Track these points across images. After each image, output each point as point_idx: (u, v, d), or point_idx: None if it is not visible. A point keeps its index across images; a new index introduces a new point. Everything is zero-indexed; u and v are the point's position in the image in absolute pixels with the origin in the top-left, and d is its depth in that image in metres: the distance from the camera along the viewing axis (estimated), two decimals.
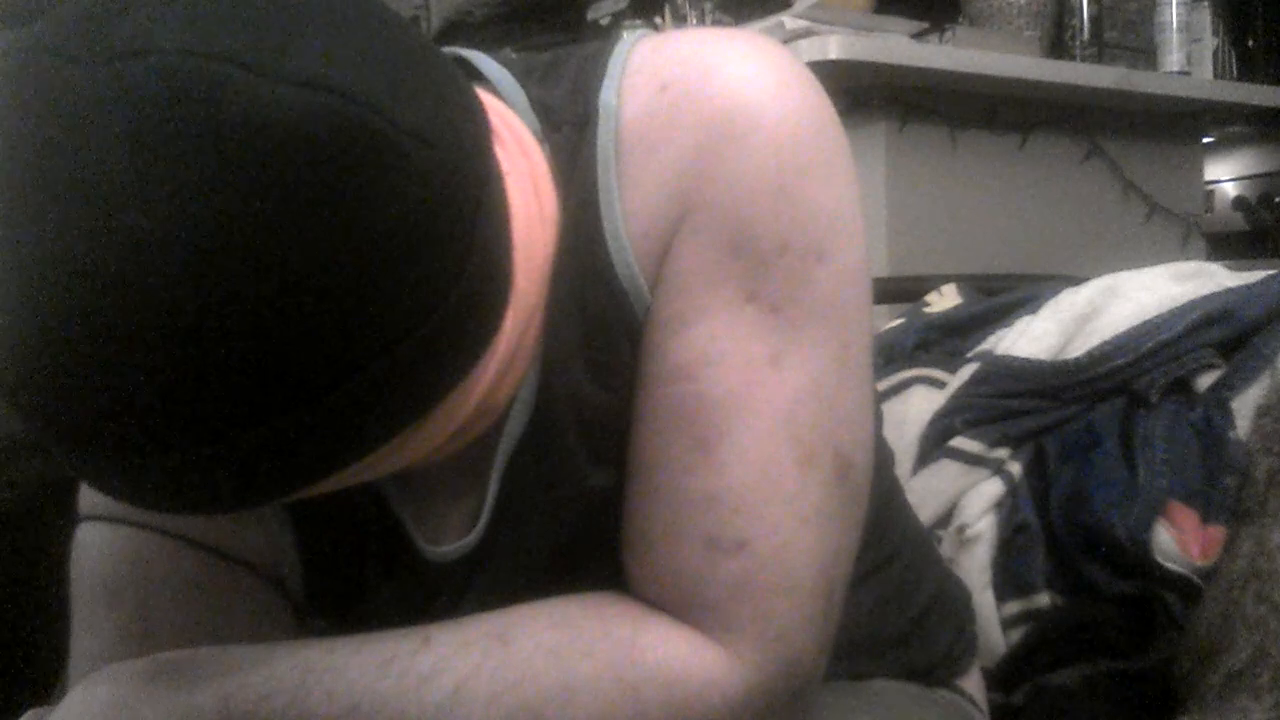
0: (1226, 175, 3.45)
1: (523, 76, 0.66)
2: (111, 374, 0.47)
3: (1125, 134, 2.18)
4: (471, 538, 0.67)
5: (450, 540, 0.68)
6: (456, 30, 1.86)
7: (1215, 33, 2.38)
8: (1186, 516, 0.95)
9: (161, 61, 0.45)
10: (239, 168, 0.45)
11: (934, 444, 1.11)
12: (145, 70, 0.45)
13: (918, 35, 1.93)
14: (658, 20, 2.04)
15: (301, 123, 0.46)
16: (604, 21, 1.97)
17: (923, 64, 1.80)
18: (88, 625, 0.68)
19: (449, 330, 0.52)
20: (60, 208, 0.46)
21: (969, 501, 1.07)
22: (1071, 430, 1.07)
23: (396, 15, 0.53)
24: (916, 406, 1.15)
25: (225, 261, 0.45)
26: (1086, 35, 2.15)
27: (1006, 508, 1.06)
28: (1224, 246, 2.81)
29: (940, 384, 1.17)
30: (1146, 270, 1.15)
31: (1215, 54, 2.38)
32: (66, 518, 0.70)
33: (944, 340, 1.24)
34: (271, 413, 0.48)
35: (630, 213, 0.61)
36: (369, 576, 0.70)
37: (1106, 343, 1.07)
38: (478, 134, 0.54)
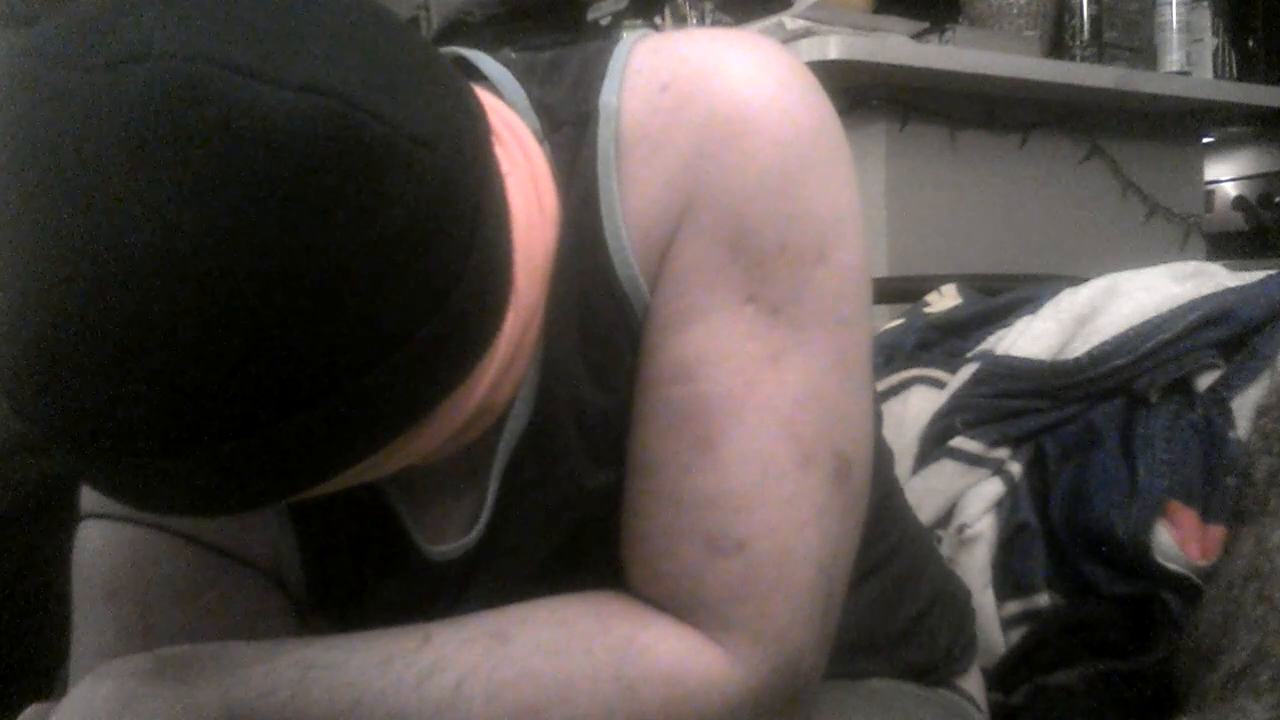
0: (1226, 175, 3.45)
1: (523, 76, 0.66)
2: (111, 379, 0.47)
3: (1125, 134, 2.18)
4: (471, 537, 0.67)
5: (450, 539, 0.68)
6: (456, 30, 1.86)
7: (1215, 33, 2.38)
8: (1186, 516, 0.95)
9: (161, 67, 0.45)
10: (239, 172, 0.45)
11: (934, 444, 1.11)
12: (145, 75, 0.45)
13: (918, 35, 1.93)
14: (658, 20, 2.04)
15: (301, 127, 0.46)
16: (604, 22, 1.97)
17: (923, 64, 1.80)
18: (89, 622, 0.68)
19: (450, 332, 0.52)
20: (61, 212, 0.46)
21: (969, 501, 1.07)
22: (1071, 430, 1.07)
23: (395, 18, 0.53)
24: (916, 406, 1.15)
25: (225, 266, 0.45)
26: (1086, 35, 2.15)
27: (1006, 508, 1.06)
28: (1224, 246, 2.80)
29: (940, 384, 1.17)
30: (1146, 270, 1.15)
31: (1215, 54, 2.38)
32: (67, 516, 0.71)
33: (944, 340, 1.24)
34: (273, 416, 0.49)
35: (630, 212, 0.61)
36: (369, 575, 0.70)
37: (1106, 343, 1.07)
38: (478, 135, 0.54)
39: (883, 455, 0.80)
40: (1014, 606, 1.02)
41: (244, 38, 0.46)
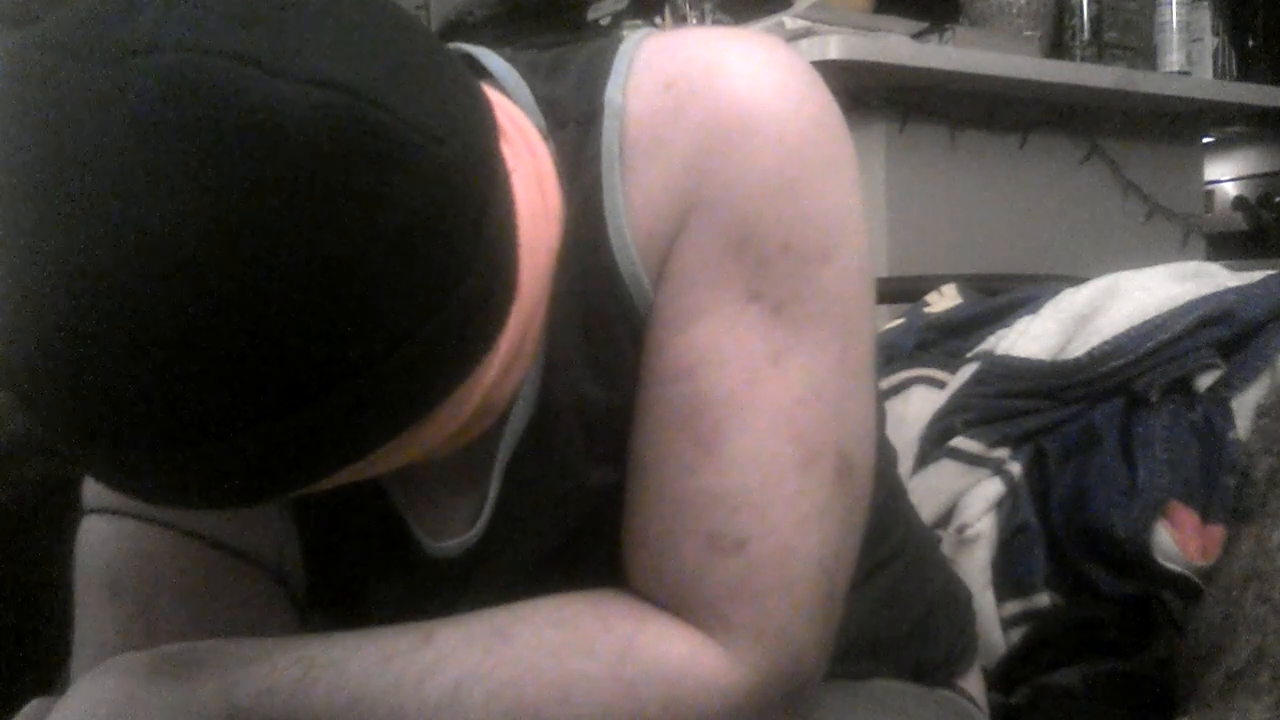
0: (1226, 175, 3.45)
1: (528, 73, 0.66)
2: (118, 370, 0.47)
3: (1125, 134, 2.18)
4: (472, 534, 0.67)
5: (452, 536, 0.68)
6: (456, 30, 1.86)
7: (1215, 33, 2.38)
8: (1186, 516, 0.95)
9: (170, 59, 0.45)
10: (248, 165, 0.45)
11: (934, 444, 1.11)
12: (154, 68, 0.45)
13: (918, 35, 1.93)
14: (658, 20, 2.04)
15: (310, 120, 0.46)
16: (604, 21, 1.97)
17: (923, 64, 1.80)
18: (91, 618, 0.68)
19: (455, 328, 0.52)
20: (69, 205, 0.46)
21: (969, 501, 1.07)
22: (1071, 430, 1.07)
23: (404, 12, 0.53)
24: (916, 406, 1.15)
25: (233, 258, 0.45)
26: (1086, 35, 2.15)
27: (1006, 508, 1.06)
28: (1224, 246, 2.80)
29: (940, 384, 1.17)
30: (1146, 270, 1.15)
31: (1215, 54, 2.38)
32: (67, 516, 0.71)
33: (944, 340, 1.24)
34: (277, 409, 0.49)
35: (634, 210, 0.61)
36: (370, 572, 0.70)
37: (1106, 343, 1.07)
38: (485, 131, 0.54)
39: (885, 454, 0.80)
40: (1014, 606, 1.02)
41: (253, 31, 0.46)
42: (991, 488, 1.06)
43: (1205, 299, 1.06)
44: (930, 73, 1.82)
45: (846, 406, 0.62)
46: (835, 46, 1.70)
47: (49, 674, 0.83)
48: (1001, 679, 0.98)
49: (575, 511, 0.66)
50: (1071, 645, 0.97)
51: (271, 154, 0.45)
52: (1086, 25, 2.15)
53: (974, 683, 0.88)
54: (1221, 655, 0.85)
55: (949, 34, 1.93)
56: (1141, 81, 2.07)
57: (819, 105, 0.62)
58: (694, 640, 0.60)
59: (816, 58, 1.67)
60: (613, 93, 0.62)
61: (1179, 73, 2.22)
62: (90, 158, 0.45)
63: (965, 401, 1.11)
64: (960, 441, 1.09)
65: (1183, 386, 1.03)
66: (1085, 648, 0.97)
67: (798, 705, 0.63)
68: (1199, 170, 2.39)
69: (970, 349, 1.19)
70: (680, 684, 0.59)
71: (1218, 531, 0.94)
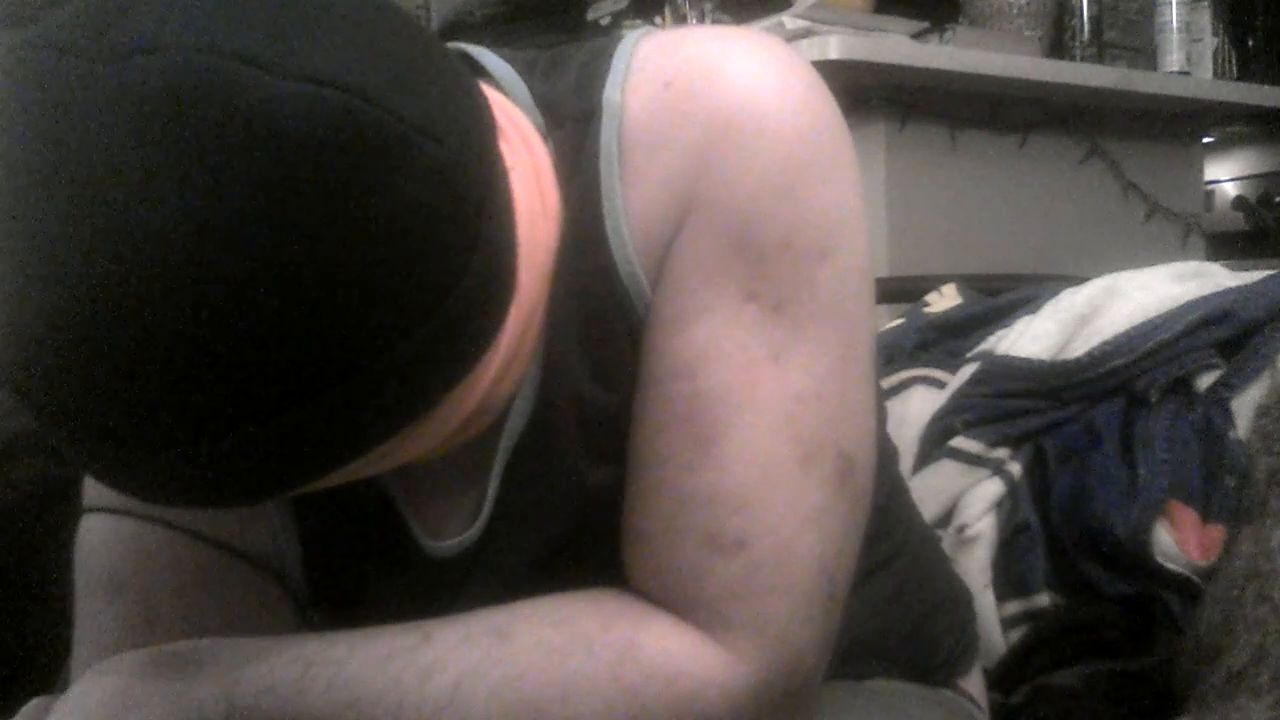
0: (1226, 175, 3.46)
1: (526, 72, 0.66)
2: (116, 369, 0.47)
3: (1125, 134, 2.18)
4: (472, 533, 0.67)
5: (451, 535, 0.68)
6: (456, 30, 1.86)
7: (1215, 33, 2.38)
8: (1186, 516, 0.95)
9: (169, 59, 0.45)
10: (247, 164, 0.45)
11: (934, 444, 1.11)
12: (153, 68, 0.45)
13: (918, 35, 1.93)
14: (658, 20, 2.04)
15: (309, 119, 0.46)
16: (604, 21, 1.97)
17: (923, 64, 1.80)
18: (91, 616, 0.68)
19: (453, 327, 0.52)
20: (68, 205, 0.46)
21: (969, 501, 1.07)
22: (1071, 430, 1.07)
23: (403, 11, 0.53)
24: (916, 406, 1.15)
25: (231, 257, 0.45)
26: (1086, 35, 2.15)
27: (1006, 508, 1.06)
28: (1224, 246, 2.81)
29: (940, 384, 1.17)
30: (1146, 270, 1.15)
31: (1215, 54, 2.39)
32: (67, 516, 0.71)
33: (944, 340, 1.24)
34: (276, 408, 0.49)
35: (632, 210, 0.61)
36: (370, 571, 0.70)
37: (1106, 343, 1.07)
38: (484, 130, 0.54)
39: (886, 453, 0.80)
40: (1014, 606, 1.02)
41: (252, 30, 0.47)
42: (991, 488, 1.06)
43: (1205, 299, 1.06)
44: (930, 73, 1.82)
45: (847, 405, 0.62)
46: (835, 46, 1.70)
47: (49, 674, 0.83)
48: (1001, 679, 0.98)
49: (574, 511, 0.66)
50: (1071, 645, 0.97)
51: (270, 153, 0.45)
52: (1086, 25, 2.16)
53: (975, 683, 0.88)
54: (1221, 655, 0.84)
55: (949, 34, 1.93)
56: (1141, 81, 2.07)
57: (819, 104, 0.62)
58: (694, 640, 0.60)
59: (816, 58, 1.68)
60: (611, 92, 0.62)
61: (1179, 73, 2.22)
62: (90, 157, 0.45)
63: (965, 401, 1.11)
64: (960, 441, 1.09)
65: (1183, 386, 1.03)
66: (1085, 648, 0.97)
67: (798, 705, 0.63)
68: (1199, 170, 2.40)
69: (970, 349, 1.19)
70: (680, 683, 0.59)
71: (1218, 531, 0.94)
